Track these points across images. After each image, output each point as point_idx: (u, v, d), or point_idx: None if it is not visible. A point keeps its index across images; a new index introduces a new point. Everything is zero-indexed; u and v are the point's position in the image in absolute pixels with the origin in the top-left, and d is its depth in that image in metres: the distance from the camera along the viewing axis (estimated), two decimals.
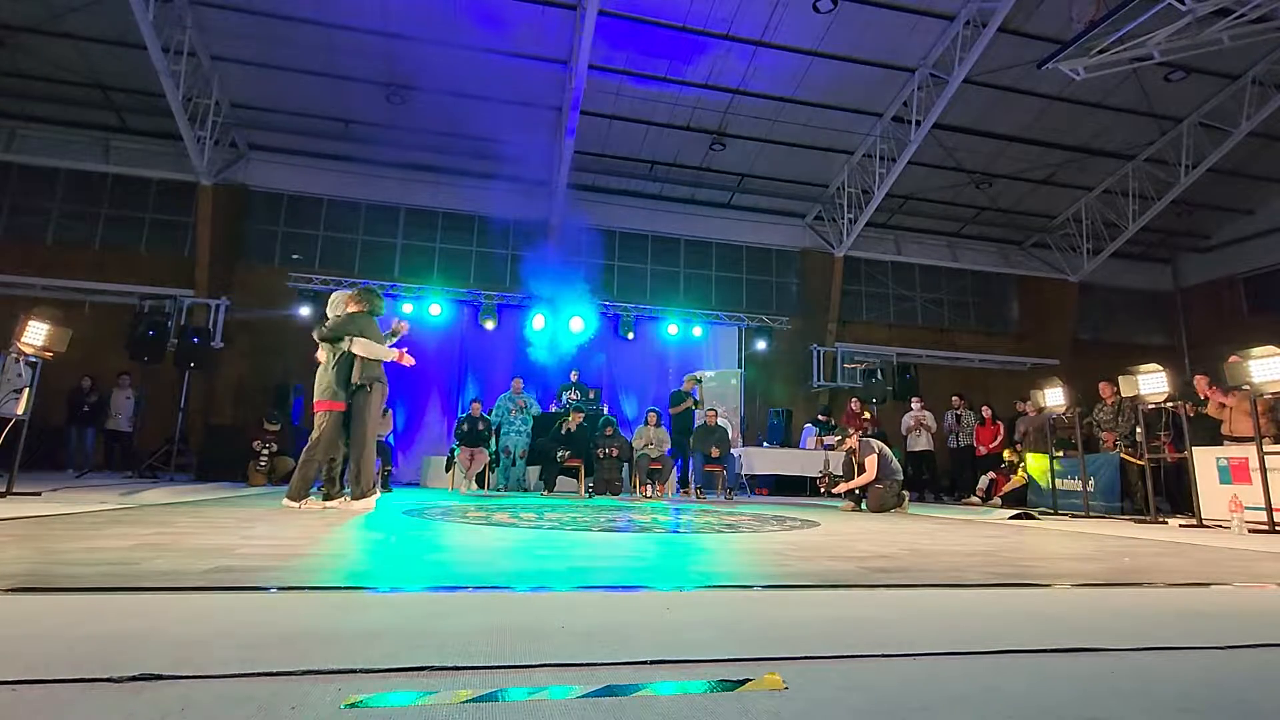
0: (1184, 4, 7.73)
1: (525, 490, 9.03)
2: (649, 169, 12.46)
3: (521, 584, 1.99)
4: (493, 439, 9.00)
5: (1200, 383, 6.84)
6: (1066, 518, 6.38)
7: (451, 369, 11.51)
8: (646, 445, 8.95)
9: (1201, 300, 15.42)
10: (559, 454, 8.55)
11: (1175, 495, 7.08)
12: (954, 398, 10.51)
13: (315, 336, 4.78)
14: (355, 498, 4.66)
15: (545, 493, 8.35)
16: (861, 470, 6.88)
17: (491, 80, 10.03)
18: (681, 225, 13.47)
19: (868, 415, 7.51)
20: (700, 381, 10.24)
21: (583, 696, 1.02)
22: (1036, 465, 7.83)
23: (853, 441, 7.10)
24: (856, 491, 6.94)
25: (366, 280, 11.34)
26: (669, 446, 9.13)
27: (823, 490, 7.94)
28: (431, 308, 11.27)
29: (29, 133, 11.09)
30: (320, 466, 4.77)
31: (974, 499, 9.29)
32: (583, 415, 8.86)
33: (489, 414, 9.15)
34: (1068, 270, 14.33)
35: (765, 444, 11.37)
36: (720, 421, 9.48)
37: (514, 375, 10.22)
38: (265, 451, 8.32)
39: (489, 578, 2.13)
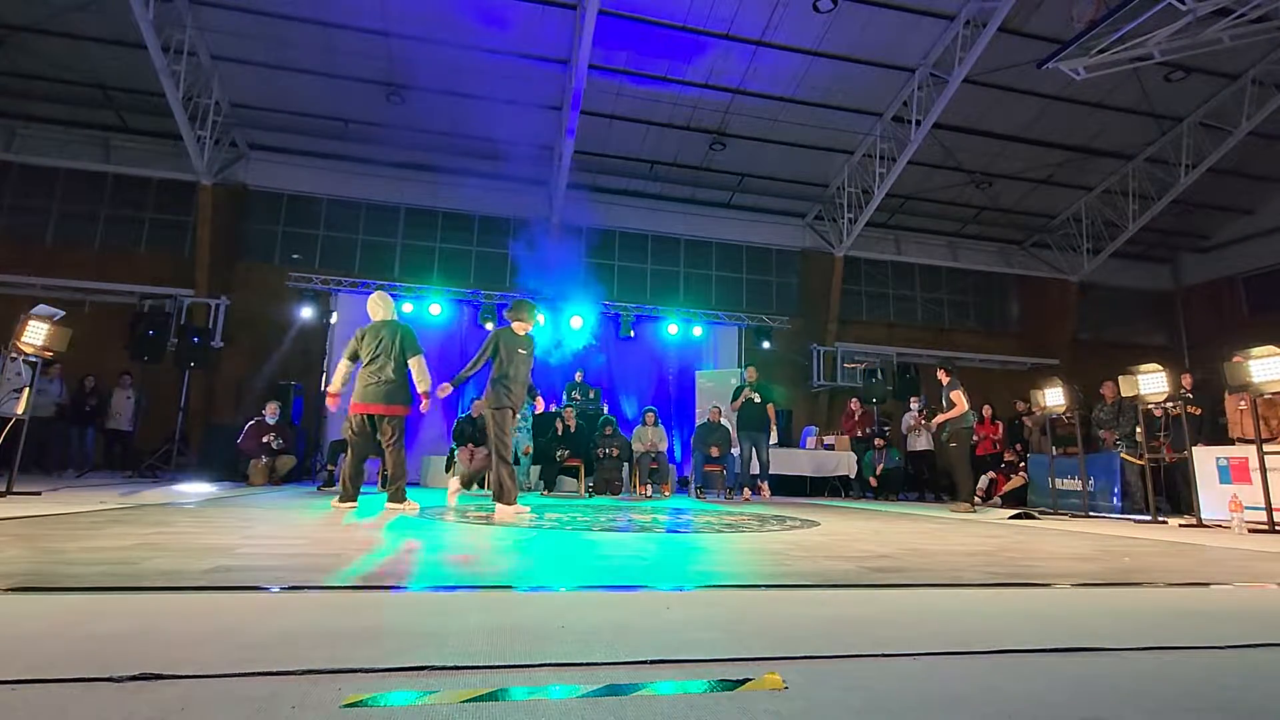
0: (1184, 4, 7.72)
1: (526, 490, 9.02)
2: (649, 169, 12.46)
3: (521, 584, 1.99)
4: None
5: (1186, 381, 6.93)
6: (1066, 518, 6.38)
7: (451, 369, 11.45)
8: (647, 446, 8.94)
9: (1201, 300, 15.42)
10: (559, 453, 8.56)
11: (1175, 495, 7.09)
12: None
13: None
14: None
15: (545, 492, 8.35)
16: (951, 405, 7.10)
17: (491, 80, 10.03)
18: (681, 225, 13.47)
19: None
20: (754, 367, 9.67)
21: (583, 696, 1.02)
22: None
23: (944, 377, 7.39)
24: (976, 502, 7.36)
25: (366, 280, 11.36)
26: (669, 446, 9.13)
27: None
28: (431, 308, 11.27)
29: (29, 133, 11.09)
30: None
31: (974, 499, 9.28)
32: (574, 412, 8.87)
33: None
34: (1068, 270, 14.33)
35: None
36: (722, 421, 9.48)
37: None
38: (275, 446, 8.26)
39: (489, 577, 2.13)
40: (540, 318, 5.16)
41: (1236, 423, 6.40)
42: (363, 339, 5.00)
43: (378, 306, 5.21)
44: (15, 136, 11.06)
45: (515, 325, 4.97)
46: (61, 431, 9.00)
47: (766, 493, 8.59)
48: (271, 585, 1.80)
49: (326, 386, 4.99)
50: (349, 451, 5.00)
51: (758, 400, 8.64)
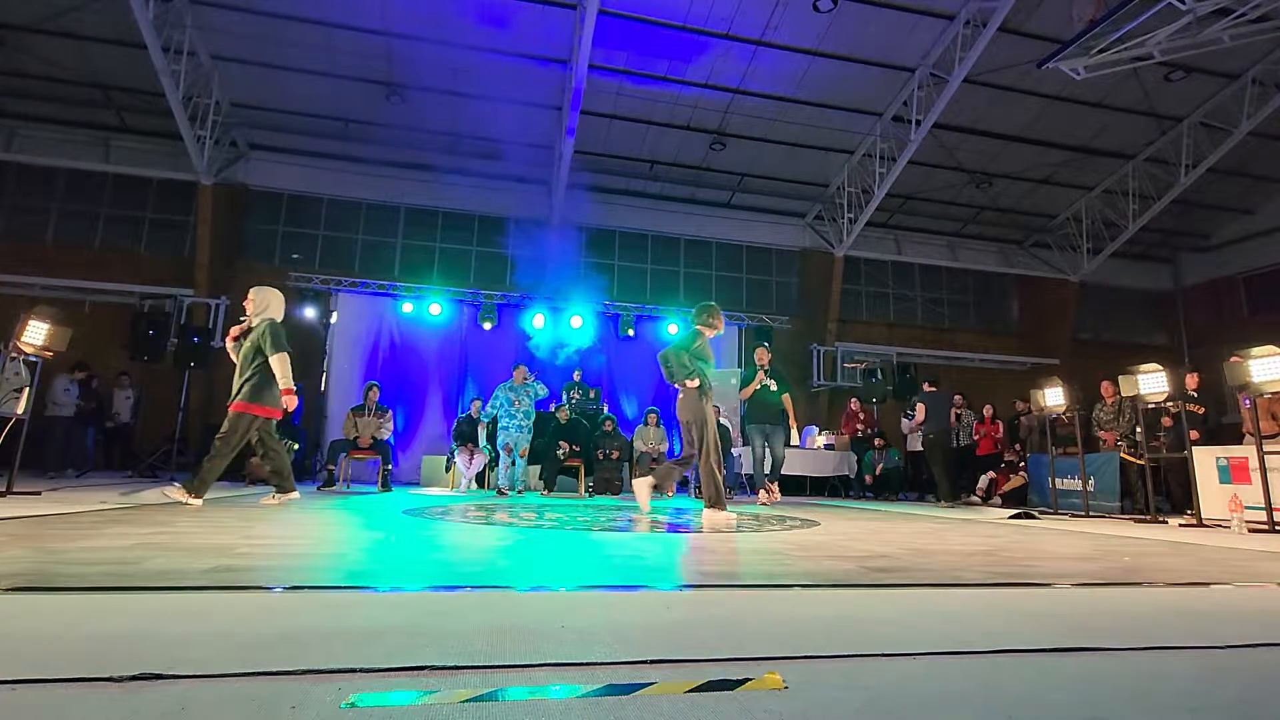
0: (1184, 4, 7.73)
1: (524, 489, 9.02)
2: (649, 169, 12.47)
3: (521, 583, 1.99)
4: (490, 436, 8.95)
5: (1191, 381, 6.98)
6: (1066, 517, 6.38)
7: (451, 369, 11.50)
8: (649, 447, 8.95)
9: (1201, 300, 15.43)
10: (559, 453, 8.56)
11: (1175, 495, 7.09)
12: (955, 396, 10.50)
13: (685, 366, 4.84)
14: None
15: (545, 492, 8.35)
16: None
17: (491, 80, 10.04)
18: (681, 225, 13.47)
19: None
20: (767, 347, 8.27)
21: (583, 696, 1.02)
22: None
23: (927, 388, 8.89)
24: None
25: (366, 280, 11.36)
26: (669, 446, 9.11)
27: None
28: (431, 307, 11.26)
29: (29, 133, 11.09)
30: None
31: (974, 499, 9.28)
32: (568, 411, 8.89)
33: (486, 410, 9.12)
34: (1068, 270, 14.33)
35: None
36: (721, 420, 9.46)
37: None
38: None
39: (489, 577, 2.13)
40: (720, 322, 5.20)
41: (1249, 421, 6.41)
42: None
43: (282, 306, 5.24)
44: (15, 136, 11.06)
45: (707, 331, 5.02)
46: (62, 431, 9.00)
47: (776, 494, 7.43)
48: (272, 585, 1.80)
49: (287, 383, 4.89)
50: (260, 448, 4.97)
51: (773, 388, 7.56)
